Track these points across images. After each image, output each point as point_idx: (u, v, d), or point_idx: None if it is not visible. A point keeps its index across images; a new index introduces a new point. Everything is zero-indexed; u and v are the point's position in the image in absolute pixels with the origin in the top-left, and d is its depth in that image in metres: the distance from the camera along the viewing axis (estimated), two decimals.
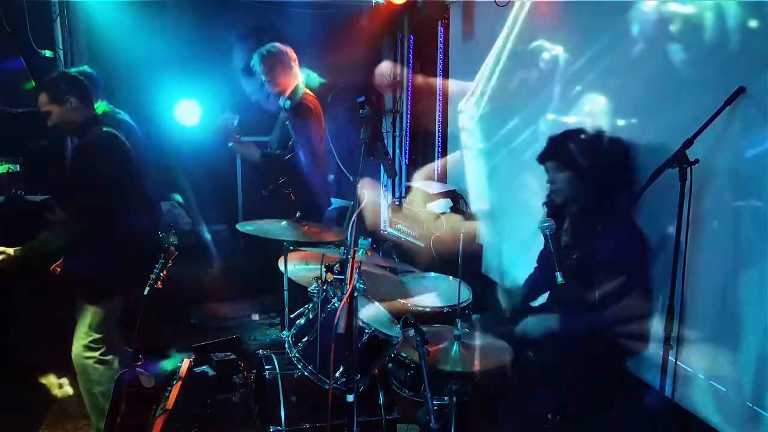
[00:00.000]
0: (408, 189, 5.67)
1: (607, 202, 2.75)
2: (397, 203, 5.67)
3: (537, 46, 3.89)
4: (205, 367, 3.60)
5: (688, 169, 2.46)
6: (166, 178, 4.20)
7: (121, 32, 4.84)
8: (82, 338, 3.13)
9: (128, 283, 3.18)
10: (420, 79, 5.78)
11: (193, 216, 4.87)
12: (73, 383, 3.43)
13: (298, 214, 3.29)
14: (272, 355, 3.00)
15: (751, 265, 2.51)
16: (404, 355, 2.79)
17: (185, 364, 2.95)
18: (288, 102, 4.14)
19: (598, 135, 2.79)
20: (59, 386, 3.72)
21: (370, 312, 2.85)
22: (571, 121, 3.58)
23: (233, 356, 3.72)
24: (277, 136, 4.28)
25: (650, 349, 2.78)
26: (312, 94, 4.24)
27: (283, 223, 3.27)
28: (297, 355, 2.69)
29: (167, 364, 3.05)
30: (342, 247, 2.67)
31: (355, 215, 2.24)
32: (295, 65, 4.16)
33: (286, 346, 2.76)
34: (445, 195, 4.79)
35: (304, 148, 4.05)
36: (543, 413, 2.67)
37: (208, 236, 4.96)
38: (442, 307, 3.20)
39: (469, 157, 4.93)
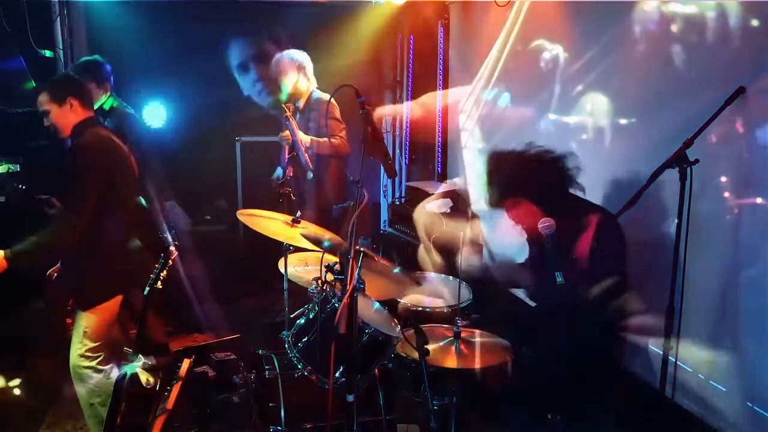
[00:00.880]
0: (408, 189, 5.68)
1: (564, 203, 2.74)
2: (397, 203, 5.67)
3: (537, 46, 3.89)
4: (205, 367, 3.59)
5: (688, 169, 2.46)
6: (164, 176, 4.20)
7: (121, 32, 4.84)
8: (77, 347, 3.07)
9: (122, 287, 3.18)
10: (420, 79, 5.78)
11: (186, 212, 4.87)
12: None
13: (298, 213, 3.28)
14: (272, 355, 2.99)
15: (751, 265, 2.51)
16: (404, 355, 2.79)
17: (185, 364, 2.95)
18: (306, 105, 4.22)
19: (508, 159, 2.76)
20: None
21: (370, 312, 2.85)
22: (572, 120, 3.58)
23: (233, 356, 3.71)
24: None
25: (650, 349, 2.78)
26: (326, 95, 4.30)
27: (281, 220, 3.27)
28: (297, 355, 2.69)
29: (128, 369, 3.01)
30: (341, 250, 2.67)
31: (355, 215, 2.24)
32: (306, 70, 4.26)
33: (286, 346, 2.76)
34: (445, 195, 4.78)
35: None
36: (543, 413, 2.66)
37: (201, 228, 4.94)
38: (442, 307, 3.20)
39: (470, 156, 4.93)
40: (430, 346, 2.48)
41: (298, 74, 4.30)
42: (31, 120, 3.83)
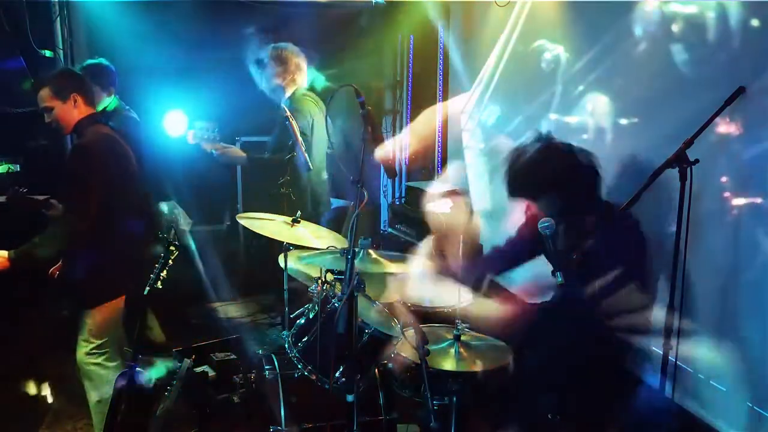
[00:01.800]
0: (408, 189, 5.67)
1: (588, 203, 2.73)
2: (397, 203, 5.67)
3: (538, 46, 3.89)
4: (205, 367, 3.59)
5: (688, 169, 2.46)
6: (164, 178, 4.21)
7: (121, 32, 4.84)
8: (83, 345, 3.10)
9: (125, 285, 3.18)
10: (420, 79, 5.77)
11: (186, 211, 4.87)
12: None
13: (298, 214, 3.29)
14: (272, 355, 2.99)
15: (751, 265, 2.51)
16: (404, 355, 2.78)
17: (185, 364, 2.95)
18: (288, 102, 4.17)
19: (550, 150, 2.73)
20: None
21: (370, 312, 2.85)
22: (573, 120, 3.58)
23: (233, 356, 3.71)
24: (275, 136, 4.30)
25: (650, 349, 2.78)
26: (312, 95, 4.26)
27: (280, 220, 3.27)
28: (297, 355, 2.69)
29: (155, 373, 3.02)
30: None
31: (355, 215, 2.24)
32: (300, 67, 4.23)
33: (286, 346, 2.76)
34: (446, 195, 4.78)
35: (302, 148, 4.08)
36: (543, 413, 2.66)
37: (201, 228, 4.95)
38: (443, 308, 3.20)
39: (470, 157, 4.93)
40: (430, 347, 2.48)
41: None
42: (31, 120, 3.84)
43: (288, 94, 4.34)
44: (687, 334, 2.63)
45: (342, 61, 5.39)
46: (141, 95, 4.62)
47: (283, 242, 3.19)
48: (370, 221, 5.96)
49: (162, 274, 2.79)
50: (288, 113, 4.12)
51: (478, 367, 2.63)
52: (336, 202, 4.74)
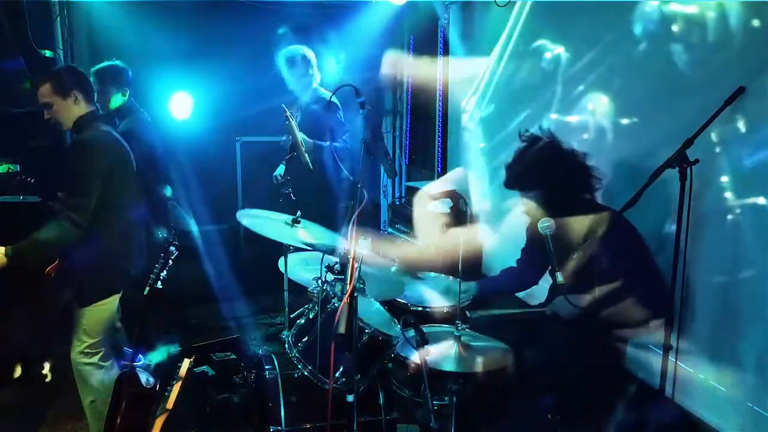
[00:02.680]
0: (408, 189, 5.68)
1: (585, 203, 2.76)
2: (397, 203, 5.67)
3: (538, 46, 3.89)
4: (205, 367, 3.59)
5: (688, 169, 2.46)
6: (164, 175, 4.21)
7: (121, 32, 4.84)
8: (78, 344, 3.09)
9: (121, 284, 3.18)
10: (420, 79, 5.77)
11: (186, 211, 4.88)
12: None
13: (298, 213, 3.29)
14: (272, 355, 2.99)
15: (751, 265, 2.51)
16: (404, 355, 2.78)
17: (185, 364, 2.95)
18: (313, 103, 4.26)
19: (547, 146, 2.78)
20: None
21: (370, 312, 2.85)
22: (573, 120, 3.58)
23: (233, 356, 3.71)
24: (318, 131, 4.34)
25: (650, 349, 2.78)
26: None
27: (281, 220, 3.27)
28: (297, 355, 2.69)
29: (155, 357, 3.03)
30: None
31: (355, 215, 2.24)
32: (313, 68, 4.32)
33: (286, 346, 2.76)
34: (445, 195, 4.78)
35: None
36: (543, 413, 2.66)
37: (201, 228, 4.95)
38: (443, 307, 3.19)
39: (470, 157, 4.93)
40: (430, 347, 2.48)
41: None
42: (31, 120, 3.84)
43: (307, 94, 4.42)
44: (687, 334, 2.63)
45: (341, 60, 5.39)
46: (141, 95, 4.62)
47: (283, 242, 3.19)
48: (371, 221, 5.97)
49: (162, 274, 2.79)
50: (288, 113, 4.12)
51: (478, 367, 2.63)
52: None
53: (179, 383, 2.84)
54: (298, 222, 3.25)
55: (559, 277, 2.60)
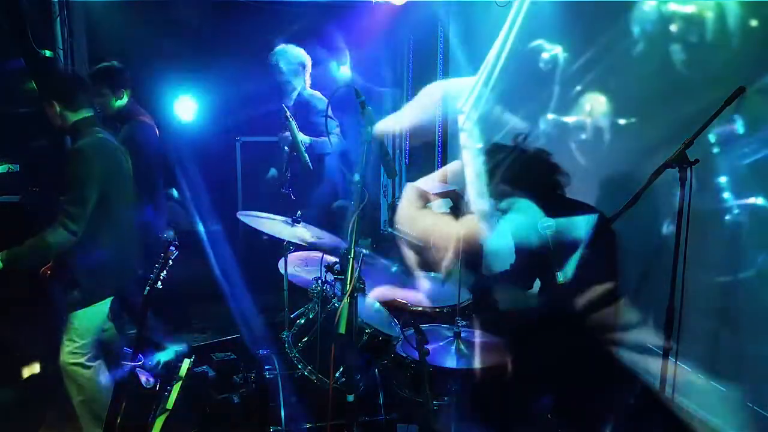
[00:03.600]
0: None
1: (557, 203, 2.76)
2: (397, 203, 5.66)
3: (537, 46, 3.89)
4: (205, 367, 3.60)
5: (688, 169, 2.46)
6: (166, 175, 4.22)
7: (121, 32, 4.84)
8: (67, 345, 3.12)
9: (113, 288, 3.18)
10: (420, 79, 5.77)
11: (187, 212, 4.89)
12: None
13: (298, 213, 3.29)
14: (272, 355, 3.00)
15: (751, 265, 2.51)
16: (404, 355, 2.79)
17: (185, 364, 2.95)
18: (298, 104, 4.23)
19: (510, 155, 2.81)
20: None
21: (370, 312, 2.85)
22: (571, 120, 3.57)
23: (233, 356, 3.72)
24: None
25: (650, 350, 2.78)
26: (317, 92, 4.31)
27: (281, 220, 3.27)
28: (297, 355, 2.69)
29: (163, 356, 3.04)
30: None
31: (355, 215, 2.24)
32: (304, 68, 4.28)
33: (286, 346, 2.76)
34: (445, 195, 4.78)
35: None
36: (542, 413, 2.67)
37: (201, 229, 4.96)
38: (442, 307, 3.20)
39: (468, 157, 4.92)
40: (431, 346, 2.48)
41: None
42: (31, 120, 3.84)
43: (294, 95, 4.39)
44: (687, 335, 2.63)
45: (341, 60, 5.39)
46: (141, 96, 4.62)
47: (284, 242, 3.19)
48: (370, 221, 5.97)
49: (162, 274, 2.79)
50: (288, 113, 4.13)
51: (476, 365, 2.63)
52: (336, 202, 4.74)
53: (179, 383, 2.84)
54: (299, 222, 3.25)
55: (560, 277, 2.60)
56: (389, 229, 5.20)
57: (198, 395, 3.43)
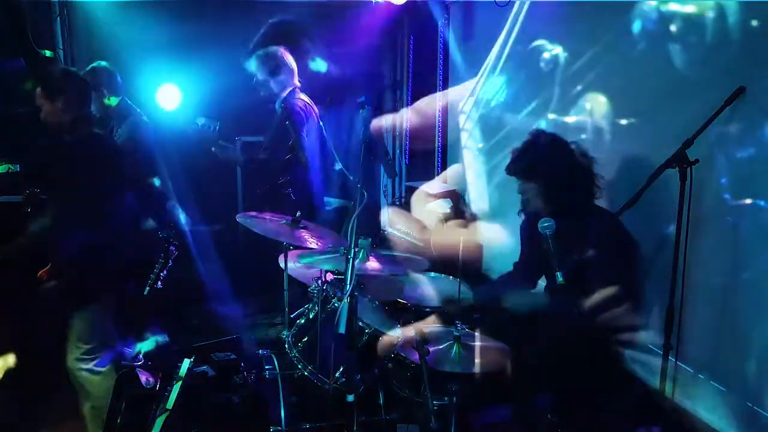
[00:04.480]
0: (408, 189, 5.67)
1: (581, 205, 2.76)
2: (397, 203, 5.67)
3: (537, 46, 3.89)
4: (205, 367, 3.59)
5: (688, 169, 2.46)
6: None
7: (121, 32, 4.84)
8: (73, 350, 3.08)
9: (113, 287, 3.17)
10: (420, 79, 5.78)
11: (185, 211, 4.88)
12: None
13: (298, 213, 3.28)
14: (272, 355, 2.99)
15: (751, 265, 2.51)
16: (404, 354, 2.78)
17: (185, 364, 2.95)
18: (281, 104, 4.18)
19: (555, 142, 2.78)
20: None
21: (370, 312, 2.85)
22: (572, 120, 3.58)
23: (233, 356, 3.71)
24: (270, 137, 4.30)
25: (650, 349, 2.78)
26: (304, 96, 4.26)
27: (282, 222, 3.27)
28: (297, 355, 2.69)
29: (143, 346, 3.02)
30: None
31: (355, 215, 2.24)
32: (290, 68, 4.21)
33: (286, 346, 2.76)
34: (445, 195, 4.79)
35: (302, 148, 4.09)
36: (542, 413, 2.67)
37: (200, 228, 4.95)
38: (442, 308, 3.19)
39: (469, 157, 4.93)
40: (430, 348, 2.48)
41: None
42: (31, 120, 3.83)
43: (284, 94, 4.33)
44: (687, 334, 2.64)
45: (341, 61, 5.38)
46: (140, 96, 4.62)
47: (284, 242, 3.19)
48: (370, 221, 5.96)
49: (162, 274, 2.79)
50: (287, 113, 4.12)
51: (477, 367, 2.63)
52: (335, 202, 4.74)
53: (179, 383, 2.84)
54: (299, 221, 3.25)
55: (560, 277, 2.60)
56: (389, 229, 5.20)
57: (198, 395, 3.42)
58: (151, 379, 2.95)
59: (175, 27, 5.13)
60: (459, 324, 2.77)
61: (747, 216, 2.53)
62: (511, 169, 2.83)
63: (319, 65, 4.89)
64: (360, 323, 2.62)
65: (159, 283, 2.79)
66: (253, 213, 3.26)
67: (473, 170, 4.87)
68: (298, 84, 4.27)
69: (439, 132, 5.46)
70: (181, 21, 5.17)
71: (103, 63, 3.99)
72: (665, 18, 2.89)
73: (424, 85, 5.59)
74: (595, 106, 3.40)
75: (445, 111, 5.37)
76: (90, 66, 3.98)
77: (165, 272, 2.81)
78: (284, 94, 4.20)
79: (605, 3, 3.28)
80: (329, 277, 2.93)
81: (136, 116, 4.00)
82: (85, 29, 5.03)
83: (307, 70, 4.68)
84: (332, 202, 4.70)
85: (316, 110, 4.34)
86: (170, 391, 2.82)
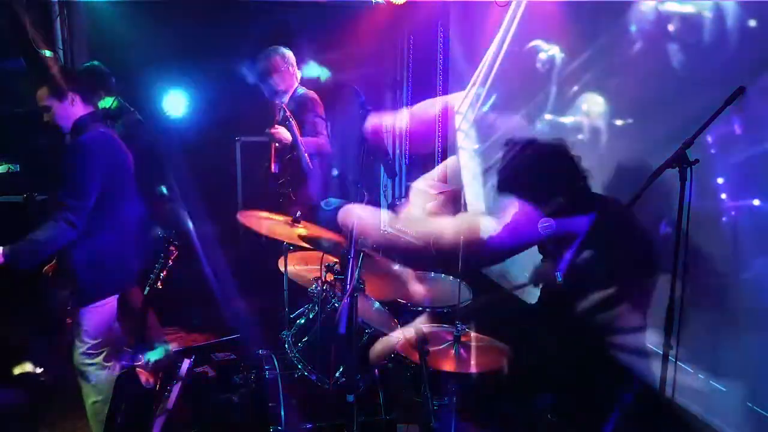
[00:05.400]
0: (408, 189, 5.67)
1: (577, 194, 2.75)
2: (397, 203, 5.66)
3: (535, 46, 3.89)
4: (205, 367, 3.60)
5: (688, 169, 2.46)
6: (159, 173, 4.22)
7: (121, 32, 4.84)
8: (78, 346, 3.10)
9: (119, 284, 3.18)
10: (420, 79, 5.77)
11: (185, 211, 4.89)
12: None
13: (298, 213, 3.29)
14: (272, 355, 3.00)
15: (751, 265, 2.51)
16: (404, 354, 2.78)
17: (185, 364, 2.96)
18: (291, 102, 4.20)
19: (527, 148, 2.77)
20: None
21: (370, 312, 2.85)
22: (569, 121, 3.58)
23: (233, 356, 3.72)
24: (308, 132, 4.31)
25: (650, 349, 2.78)
26: (312, 92, 4.28)
27: (281, 220, 3.27)
28: (297, 355, 2.70)
29: (152, 355, 3.03)
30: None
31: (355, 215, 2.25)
32: (293, 67, 4.24)
33: (286, 346, 2.76)
34: (449, 194, 4.77)
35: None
36: (542, 413, 2.67)
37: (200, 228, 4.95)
38: (442, 308, 3.20)
39: (465, 158, 4.93)
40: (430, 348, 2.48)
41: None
42: (31, 120, 3.84)
43: (289, 94, 4.36)
44: (687, 334, 2.63)
45: (341, 61, 5.38)
46: (141, 96, 4.63)
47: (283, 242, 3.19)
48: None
49: (162, 274, 2.79)
50: (289, 113, 4.13)
51: (476, 368, 2.63)
52: (335, 202, 4.74)
53: (179, 383, 2.85)
54: (299, 221, 3.25)
55: (560, 277, 2.60)
56: (389, 229, 5.20)
57: (198, 395, 3.43)
58: (151, 379, 2.95)
59: (175, 27, 5.13)
60: (459, 324, 2.77)
61: (747, 216, 2.53)
62: (501, 189, 2.83)
63: (319, 65, 4.88)
64: (360, 323, 2.61)
65: (159, 283, 2.79)
66: (253, 213, 3.26)
67: (469, 171, 4.87)
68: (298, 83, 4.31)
69: (439, 133, 5.46)
70: (181, 21, 5.18)
71: (97, 63, 3.99)
72: (663, 18, 2.89)
73: (424, 86, 5.59)
74: (592, 106, 3.40)
75: (445, 112, 5.37)
76: (83, 66, 3.99)
77: (165, 272, 2.81)
78: (290, 93, 4.25)
79: (603, 3, 3.28)
80: (329, 277, 2.94)
81: (130, 115, 4.01)
82: (85, 29, 5.03)
83: (307, 71, 4.68)
84: (333, 202, 4.70)
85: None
86: (170, 391, 2.83)
